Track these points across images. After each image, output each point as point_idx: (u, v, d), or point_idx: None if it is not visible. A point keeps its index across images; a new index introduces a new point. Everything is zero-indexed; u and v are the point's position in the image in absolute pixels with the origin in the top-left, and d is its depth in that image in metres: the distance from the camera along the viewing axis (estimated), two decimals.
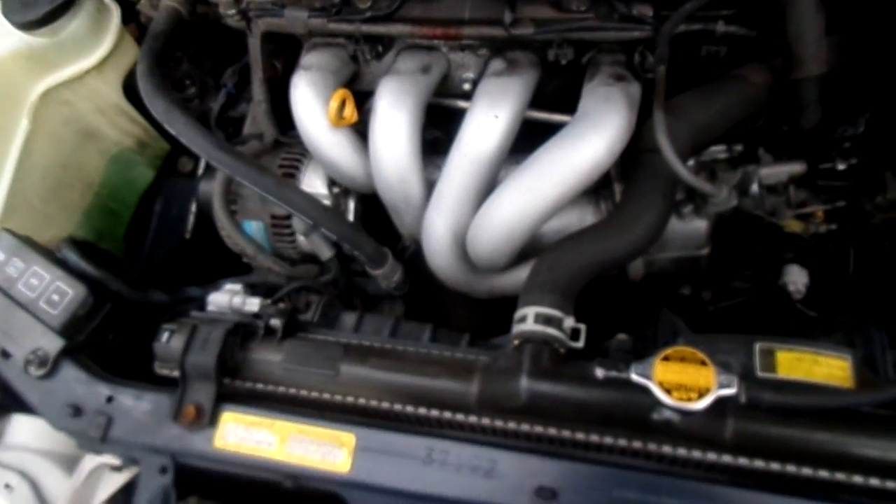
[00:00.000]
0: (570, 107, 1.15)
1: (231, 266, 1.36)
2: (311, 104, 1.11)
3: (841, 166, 0.99)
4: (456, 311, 1.34)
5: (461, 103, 1.21)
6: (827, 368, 0.88)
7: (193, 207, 1.48)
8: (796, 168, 1.02)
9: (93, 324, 1.07)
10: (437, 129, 1.26)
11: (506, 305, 1.17)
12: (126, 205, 1.48)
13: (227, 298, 1.09)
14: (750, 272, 1.24)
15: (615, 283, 1.23)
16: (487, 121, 1.02)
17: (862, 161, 0.98)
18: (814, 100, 0.95)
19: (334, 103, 1.05)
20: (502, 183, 0.98)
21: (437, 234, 1.08)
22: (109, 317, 1.09)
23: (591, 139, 0.93)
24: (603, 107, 0.95)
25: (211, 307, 1.10)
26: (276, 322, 1.02)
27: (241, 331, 1.02)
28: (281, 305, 1.06)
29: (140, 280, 1.44)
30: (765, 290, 1.21)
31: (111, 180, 1.42)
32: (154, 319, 1.10)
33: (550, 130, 1.14)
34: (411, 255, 1.30)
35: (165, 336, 1.03)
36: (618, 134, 0.94)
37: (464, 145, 1.03)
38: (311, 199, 1.08)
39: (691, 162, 1.05)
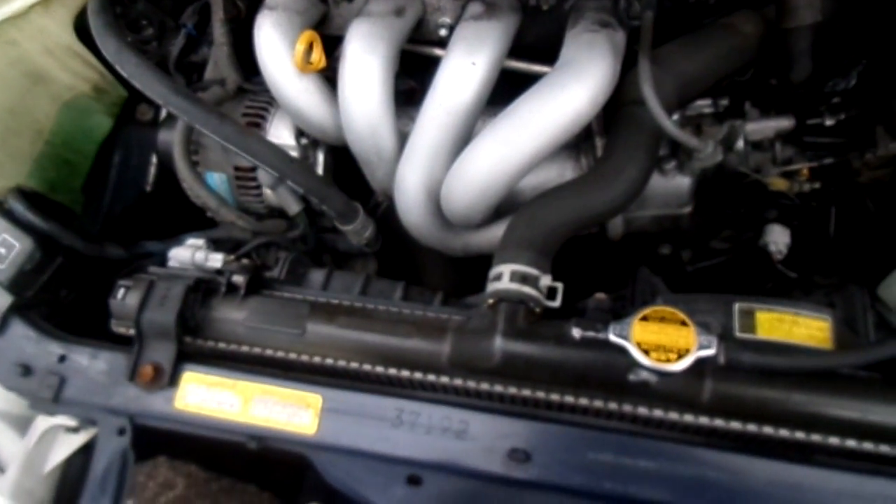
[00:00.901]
0: (551, 57, 1.11)
1: (195, 221, 1.30)
2: (277, 47, 1.03)
3: (830, 122, 0.95)
4: (430, 270, 1.30)
5: (437, 51, 1.15)
6: (807, 329, 0.86)
7: (154, 159, 1.41)
8: (784, 124, 0.98)
9: (42, 279, 1.01)
10: (412, 79, 1.20)
11: (482, 264, 1.14)
12: (83, 155, 1.40)
13: (189, 254, 1.03)
14: (731, 232, 1.21)
15: (594, 242, 1.19)
16: (464, 68, 0.96)
17: (852, 116, 0.94)
18: (805, 51, 0.91)
19: (300, 46, 0.98)
20: (478, 135, 0.93)
21: (410, 188, 1.02)
22: (61, 272, 1.03)
23: (573, 88, 0.88)
24: (586, 55, 0.90)
25: (172, 262, 1.04)
26: (239, 278, 0.97)
27: (203, 287, 0.97)
28: (245, 261, 1.01)
29: (99, 235, 1.38)
30: (745, 250, 1.19)
31: (64, 128, 1.33)
32: (112, 275, 1.05)
33: (531, 82, 1.10)
34: (384, 212, 1.25)
35: (121, 292, 0.98)
36: (601, 84, 0.89)
37: (439, 94, 0.97)
38: (277, 150, 1.01)
39: (676, 116, 1.01)
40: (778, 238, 1.09)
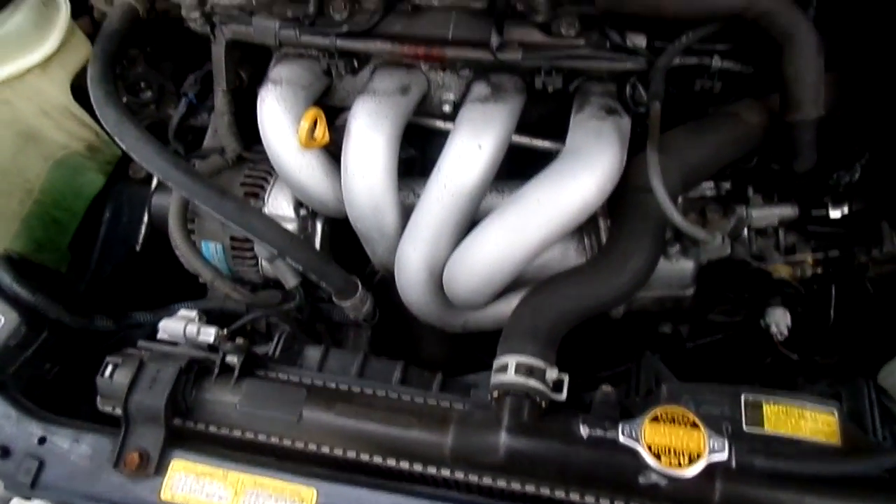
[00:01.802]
0: (553, 132, 1.11)
1: (186, 283, 1.27)
2: (280, 122, 1.02)
3: (834, 213, 0.95)
4: (426, 341, 1.28)
5: (440, 123, 1.15)
6: (813, 423, 0.85)
7: (146, 217, 1.38)
8: (787, 212, 0.98)
9: (25, 354, 0.97)
10: (412, 148, 1.19)
11: (479, 334, 1.12)
12: (72, 213, 1.37)
13: (181, 326, 1.00)
14: (730, 307, 1.21)
15: (595, 319, 1.18)
16: (470, 151, 0.95)
17: (856, 210, 0.95)
18: (810, 143, 0.92)
19: (305, 124, 0.97)
20: (484, 220, 0.92)
21: (412, 267, 1.01)
22: (46, 346, 0.99)
23: (581, 178, 0.88)
24: (593, 143, 0.90)
25: (162, 335, 1.01)
26: (233, 359, 0.94)
27: (195, 368, 0.93)
28: (239, 340, 0.97)
29: (85, 297, 1.34)
30: (745, 329, 1.18)
31: (55, 186, 1.31)
32: (99, 347, 1.01)
33: (532, 153, 1.10)
34: (381, 280, 1.23)
35: (109, 370, 0.94)
36: (609, 173, 0.89)
37: (443, 176, 0.96)
38: (277, 227, 0.99)
39: (679, 199, 1.01)
40: (779, 319, 1.08)
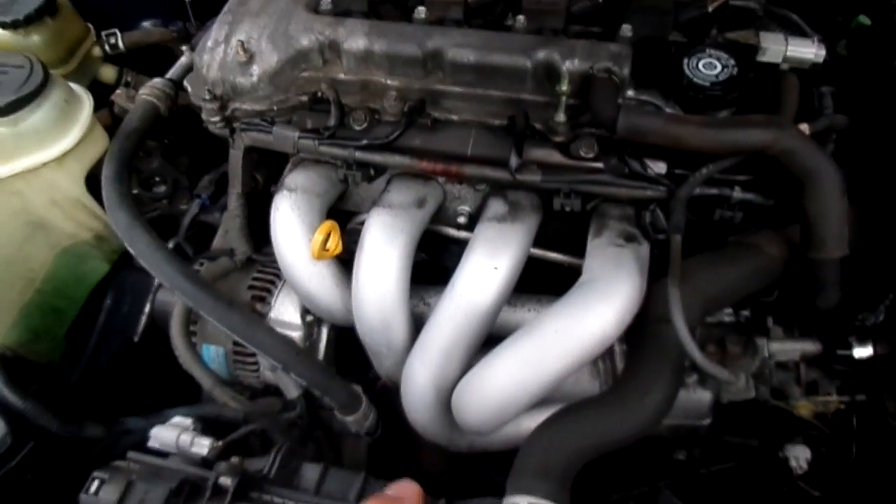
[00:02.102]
0: (568, 246, 1.10)
1: (182, 380, 1.23)
2: (294, 230, 1.01)
3: (859, 353, 0.92)
4: (428, 455, 1.22)
5: (452, 231, 1.14)
6: None
7: (147, 308, 1.35)
8: (810, 347, 0.95)
9: (8, 465, 0.92)
10: (424, 252, 1.17)
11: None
12: (72, 301, 1.34)
13: (174, 436, 0.95)
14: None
15: None
16: (485, 272, 0.94)
17: (883, 354, 0.92)
18: (833, 282, 0.90)
19: (319, 237, 0.95)
20: (498, 348, 0.89)
21: (420, 386, 0.97)
22: (30, 456, 0.94)
23: (600, 309, 0.85)
24: (612, 273, 0.88)
25: (154, 443, 0.96)
26: (226, 480, 0.89)
27: (185, 491, 0.88)
28: (234, 459, 0.92)
29: (78, 388, 1.29)
30: (763, 457, 1.13)
31: (58, 275, 1.28)
32: (87, 454, 0.96)
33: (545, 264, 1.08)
34: (383, 386, 1.19)
35: (95, 485, 0.89)
36: (628, 304, 0.87)
37: (457, 295, 0.94)
38: (282, 343, 0.96)
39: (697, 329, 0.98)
40: (799, 454, 1.04)
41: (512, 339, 0.88)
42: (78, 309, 1.35)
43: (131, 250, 0.95)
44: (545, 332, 0.86)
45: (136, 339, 1.35)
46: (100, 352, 1.35)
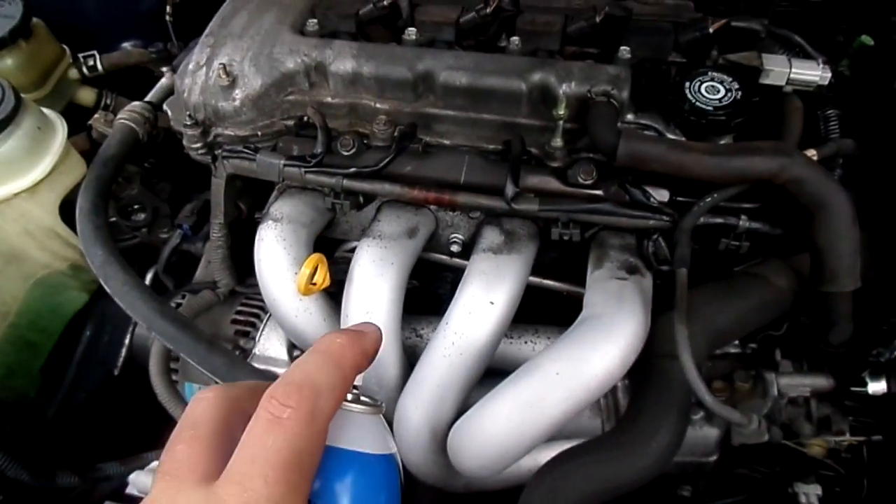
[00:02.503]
0: (566, 273, 1.05)
1: (165, 415, 1.17)
2: (279, 263, 0.96)
3: (874, 389, 0.88)
4: (422, 489, 1.17)
5: (444, 258, 1.09)
6: None
7: (127, 340, 1.30)
8: (821, 383, 0.91)
9: None
10: (415, 279, 1.13)
11: None
12: (47, 334, 1.28)
13: (151, 481, 0.90)
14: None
15: None
16: (481, 307, 0.89)
17: None
18: (846, 316, 0.86)
19: (306, 270, 0.90)
20: (496, 391, 0.84)
21: (413, 427, 0.92)
22: None
23: (604, 348, 0.81)
24: (615, 309, 0.84)
25: (131, 490, 0.91)
26: None
27: None
28: None
29: (54, 425, 1.23)
30: (770, 491, 1.09)
31: (32, 308, 1.22)
32: (61, 502, 0.90)
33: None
34: None
35: None
36: (633, 342, 0.82)
37: (451, 332, 0.89)
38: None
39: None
40: (810, 490, 0.99)
41: (511, 379, 0.83)
42: (53, 342, 1.29)
43: (107, 288, 0.90)
44: (546, 373, 0.81)
45: (116, 371, 1.29)
46: (78, 386, 1.29)
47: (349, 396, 0.45)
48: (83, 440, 1.19)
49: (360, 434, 0.45)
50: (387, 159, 0.96)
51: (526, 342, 1.04)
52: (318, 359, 0.44)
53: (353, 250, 1.15)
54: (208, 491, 0.39)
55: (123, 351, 1.30)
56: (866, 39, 1.17)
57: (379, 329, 0.49)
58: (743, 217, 0.91)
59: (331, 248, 1.15)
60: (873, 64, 1.17)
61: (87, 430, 1.22)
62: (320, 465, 0.42)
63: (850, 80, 1.13)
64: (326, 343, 0.45)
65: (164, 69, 1.23)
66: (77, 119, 1.26)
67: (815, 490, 0.99)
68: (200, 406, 0.43)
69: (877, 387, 0.87)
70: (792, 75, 0.98)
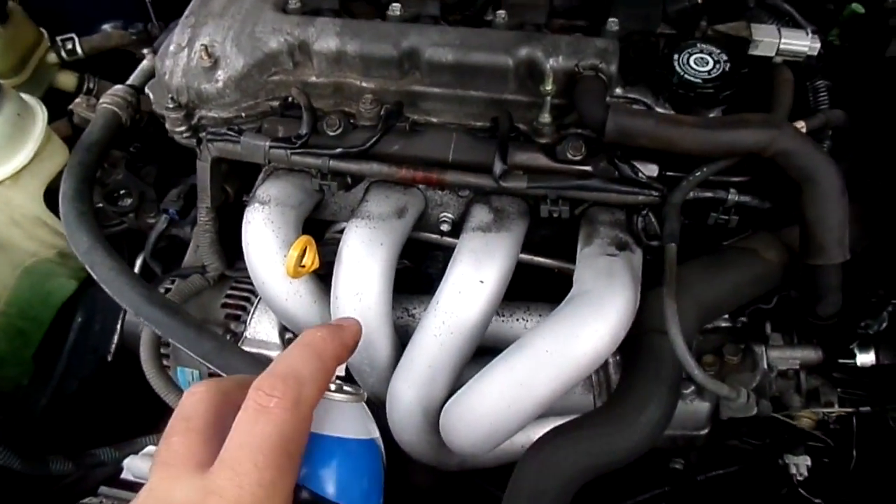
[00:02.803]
0: (555, 250, 1.05)
1: (159, 402, 1.17)
2: (268, 246, 0.95)
3: (863, 360, 0.89)
4: (416, 468, 1.18)
5: (434, 237, 1.09)
6: None
7: (119, 327, 1.29)
8: (810, 355, 0.92)
9: None
10: (405, 259, 1.12)
11: None
12: (38, 322, 1.27)
13: (147, 465, 0.90)
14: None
15: None
16: (471, 286, 0.89)
17: (887, 365, 0.88)
18: (835, 287, 0.86)
19: (294, 253, 0.89)
20: (487, 369, 0.84)
21: (405, 407, 0.92)
22: None
23: (594, 325, 0.81)
24: (605, 285, 0.83)
25: (127, 475, 0.91)
26: None
27: None
28: None
29: (47, 413, 1.23)
30: (761, 462, 1.10)
31: (22, 296, 1.22)
32: (55, 490, 0.91)
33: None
34: (368, 400, 1.14)
35: None
36: (623, 319, 0.82)
37: (442, 311, 0.89)
38: (259, 368, 0.90)
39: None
40: (799, 461, 1.00)
41: (502, 358, 0.83)
42: (44, 330, 1.28)
43: (93, 274, 0.89)
44: (537, 350, 0.81)
45: (109, 358, 1.29)
46: (70, 373, 1.29)
47: (332, 386, 0.48)
48: (77, 428, 1.19)
49: (343, 421, 0.48)
50: (373, 139, 0.95)
51: (518, 320, 1.04)
52: (301, 351, 0.47)
53: (342, 231, 1.15)
54: (203, 477, 0.42)
55: (115, 338, 1.30)
56: (857, 7, 1.15)
57: (358, 322, 0.52)
58: (732, 191, 0.90)
59: (320, 229, 1.14)
60: (864, 32, 1.16)
61: (81, 417, 1.22)
62: (306, 451, 0.44)
63: (841, 49, 1.12)
64: (308, 337, 0.48)
65: (145, 51, 1.20)
66: (58, 104, 1.24)
67: (804, 461, 1.00)
68: (193, 400, 0.46)
69: (865, 358, 0.88)
70: (781, 46, 0.97)
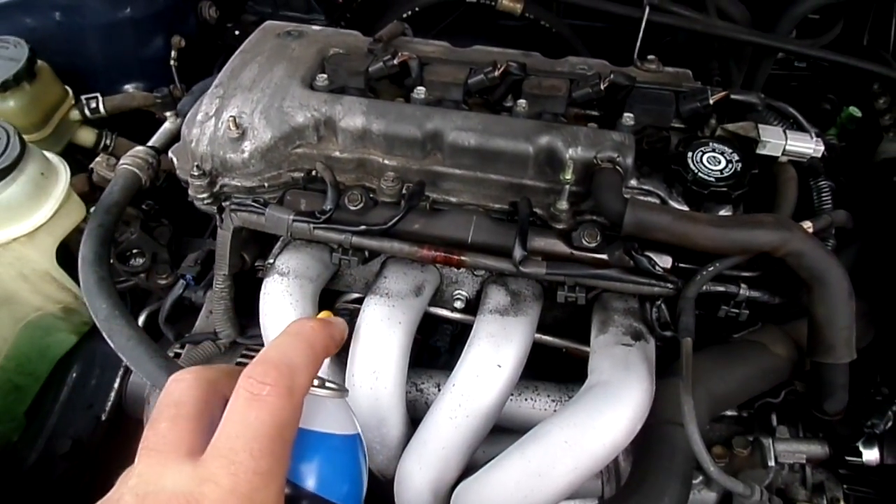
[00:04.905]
0: (566, 331, 1.07)
1: None
2: (285, 320, 0.95)
3: (868, 458, 0.91)
4: None
5: (445, 312, 1.10)
6: None
7: (117, 384, 1.27)
8: (817, 450, 0.93)
9: None
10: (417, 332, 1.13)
11: None
12: (34, 377, 1.25)
13: None
14: None
15: None
16: (489, 370, 0.90)
17: (892, 465, 0.91)
18: (842, 386, 0.89)
19: None
20: (502, 457, 0.84)
21: (416, 487, 0.91)
22: None
23: (613, 416, 0.82)
24: (622, 377, 0.85)
25: None
26: None
27: None
28: None
29: (33, 473, 1.20)
30: None
31: (21, 350, 1.20)
32: None
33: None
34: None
35: None
36: (641, 409, 0.84)
37: (458, 394, 0.90)
38: None
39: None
40: None
41: (518, 447, 0.84)
42: (40, 385, 1.26)
43: (111, 343, 0.89)
44: (555, 441, 0.81)
45: (104, 416, 1.26)
46: (62, 431, 1.26)
47: (315, 382, 0.47)
48: (64, 491, 1.15)
49: (327, 417, 0.48)
50: (396, 218, 0.97)
51: (526, 399, 1.05)
52: (292, 340, 0.46)
53: (354, 301, 1.16)
54: (195, 465, 0.40)
55: (112, 395, 1.27)
56: (854, 111, 1.22)
57: (344, 322, 0.52)
58: (743, 286, 0.93)
59: (331, 298, 1.15)
60: (860, 133, 1.22)
61: (70, 480, 1.19)
62: (294, 446, 0.44)
63: (840, 149, 1.18)
64: (298, 326, 0.47)
65: (168, 114, 1.22)
66: (76, 158, 1.25)
67: None
68: (181, 387, 0.45)
69: (870, 456, 0.90)
70: (788, 147, 1.02)
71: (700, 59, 1.60)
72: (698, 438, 0.78)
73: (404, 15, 1.60)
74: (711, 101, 1.03)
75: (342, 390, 0.49)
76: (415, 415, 1.01)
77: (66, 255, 1.16)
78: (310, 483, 0.45)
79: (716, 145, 0.98)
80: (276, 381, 0.42)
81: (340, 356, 0.98)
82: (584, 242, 0.97)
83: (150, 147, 1.17)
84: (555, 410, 1.02)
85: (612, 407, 0.82)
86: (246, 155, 1.01)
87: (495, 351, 0.91)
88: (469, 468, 0.94)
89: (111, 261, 1.19)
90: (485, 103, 1.13)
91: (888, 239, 1.03)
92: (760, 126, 1.04)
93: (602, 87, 1.05)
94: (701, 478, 0.95)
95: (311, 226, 0.98)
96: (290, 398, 0.42)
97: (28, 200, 1.03)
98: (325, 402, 0.48)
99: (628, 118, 1.03)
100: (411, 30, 1.25)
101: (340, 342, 0.50)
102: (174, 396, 0.44)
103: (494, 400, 0.90)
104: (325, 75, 1.08)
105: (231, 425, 0.41)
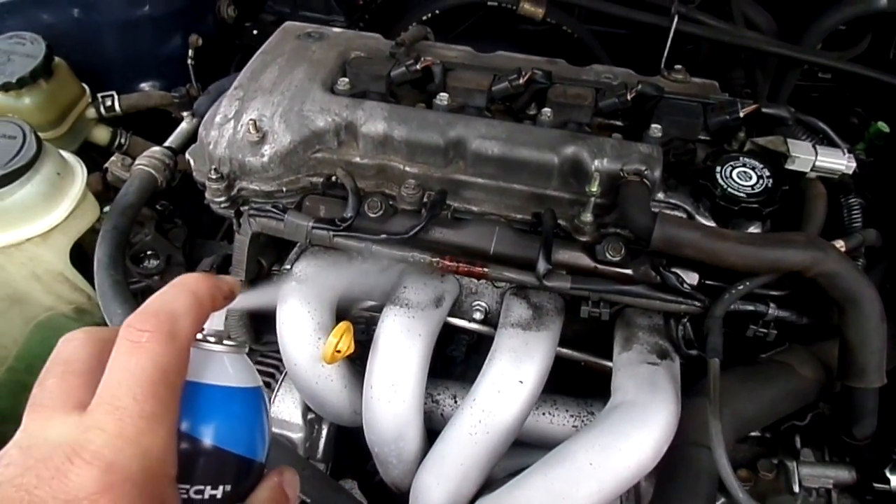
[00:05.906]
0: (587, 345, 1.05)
1: None
2: (303, 328, 0.94)
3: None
4: None
5: (463, 323, 1.08)
6: None
7: None
8: (844, 476, 0.91)
9: None
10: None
11: None
12: None
13: None
14: None
15: None
16: (510, 385, 0.88)
17: None
18: (872, 410, 0.86)
19: (333, 340, 0.88)
20: (526, 476, 0.82)
21: (433, 502, 0.90)
22: None
23: (638, 439, 0.80)
24: (648, 397, 0.83)
25: None
26: None
27: None
28: None
29: None
30: None
31: (31, 351, 1.18)
32: None
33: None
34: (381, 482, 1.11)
35: None
36: (667, 431, 0.82)
37: (479, 410, 0.88)
38: (285, 455, 0.88)
39: None
40: None
41: (540, 467, 0.82)
42: None
43: None
44: (579, 463, 0.80)
45: None
46: None
47: (212, 339, 0.47)
48: None
49: (223, 371, 0.47)
50: (418, 227, 0.95)
51: (544, 413, 1.03)
52: (173, 289, 0.46)
53: (370, 309, 1.14)
54: (80, 416, 0.40)
55: None
56: (882, 126, 1.20)
57: (237, 280, 0.52)
58: (772, 305, 0.91)
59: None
60: (889, 149, 1.20)
61: None
62: (188, 402, 0.44)
63: (868, 165, 1.15)
64: (181, 278, 0.48)
65: (185, 114, 1.21)
66: (91, 156, 1.24)
67: None
68: (71, 345, 0.45)
69: None
70: (818, 163, 1.00)
71: (722, 69, 1.58)
72: (726, 463, 0.76)
73: (424, 17, 1.58)
74: (742, 114, 1.01)
75: (238, 345, 0.49)
76: (430, 426, 0.99)
77: (79, 255, 1.15)
78: (208, 436, 0.45)
79: (746, 160, 0.96)
80: (155, 327, 0.42)
81: (356, 365, 0.97)
82: (608, 256, 0.95)
83: (167, 147, 1.15)
84: (574, 426, 1.00)
85: (638, 429, 0.80)
86: (265, 159, 0.99)
87: (517, 367, 0.89)
88: (486, 483, 0.93)
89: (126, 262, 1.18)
90: (507, 111, 1.11)
91: None
92: (790, 141, 1.02)
93: (629, 97, 1.03)
94: (723, 500, 0.93)
95: (331, 233, 0.96)
96: (171, 343, 0.42)
97: (43, 200, 1.01)
98: (220, 356, 0.48)
99: (656, 129, 1.01)
100: (432, 33, 1.23)
101: (231, 297, 0.49)
102: (63, 354, 0.45)
103: (515, 416, 0.88)
104: (346, 79, 1.06)
105: (113, 374, 0.41)
